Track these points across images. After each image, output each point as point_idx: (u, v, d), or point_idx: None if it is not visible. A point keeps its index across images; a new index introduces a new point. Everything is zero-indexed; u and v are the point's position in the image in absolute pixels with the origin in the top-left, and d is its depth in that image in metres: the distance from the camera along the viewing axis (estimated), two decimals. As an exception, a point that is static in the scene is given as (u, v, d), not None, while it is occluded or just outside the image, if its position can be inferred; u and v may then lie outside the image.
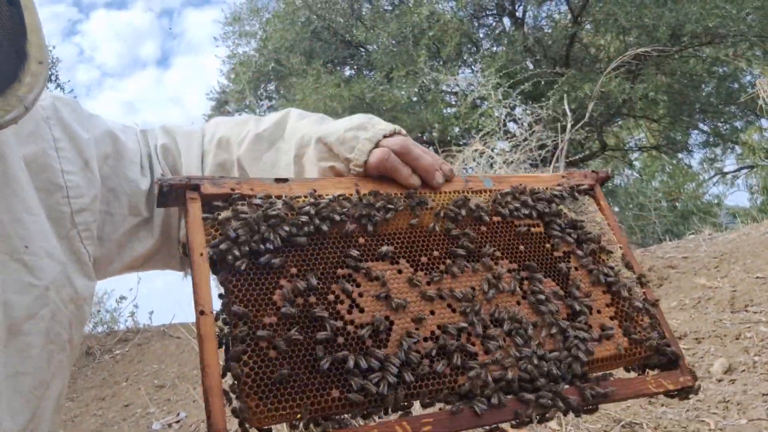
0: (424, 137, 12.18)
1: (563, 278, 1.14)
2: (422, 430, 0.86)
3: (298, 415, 0.83)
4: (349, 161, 1.10)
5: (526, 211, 1.17)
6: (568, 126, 5.83)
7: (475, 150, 6.63)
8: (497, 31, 13.09)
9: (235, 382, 0.83)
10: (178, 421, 4.30)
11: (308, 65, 11.65)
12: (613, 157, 14.88)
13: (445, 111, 11.53)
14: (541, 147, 6.54)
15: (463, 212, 1.11)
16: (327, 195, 1.04)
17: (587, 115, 5.97)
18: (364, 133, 1.09)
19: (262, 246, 0.92)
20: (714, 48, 10.55)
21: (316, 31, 12.74)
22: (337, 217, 1.01)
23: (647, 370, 1.14)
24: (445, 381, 0.94)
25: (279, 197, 1.01)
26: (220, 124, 1.28)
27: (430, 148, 9.99)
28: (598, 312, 1.12)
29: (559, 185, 1.26)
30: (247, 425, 0.81)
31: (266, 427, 0.84)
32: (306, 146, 1.15)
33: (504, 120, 8.76)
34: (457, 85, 10.32)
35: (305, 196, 1.03)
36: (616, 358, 1.08)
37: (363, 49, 13.59)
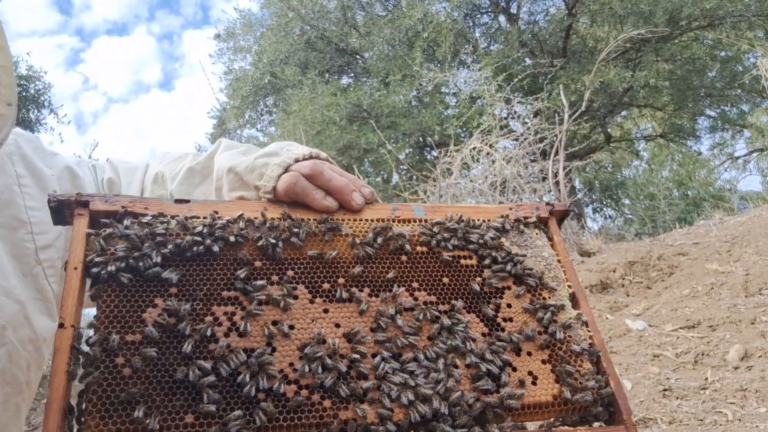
0: (427, 140, 12.08)
1: (489, 317, 1.01)
2: None
3: None
4: (258, 189, 1.05)
5: (456, 242, 1.08)
6: (566, 117, 5.69)
7: (474, 148, 6.50)
8: (493, 29, 12.97)
9: (81, 400, 0.77)
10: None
11: (303, 76, 11.58)
12: (619, 148, 14.67)
13: (444, 112, 11.41)
14: (541, 140, 6.41)
15: (380, 240, 1.03)
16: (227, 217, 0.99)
17: (584, 104, 5.83)
18: (275, 159, 1.04)
19: (140, 263, 0.88)
20: (714, 31, 10.37)
21: (310, 42, 12.69)
22: (232, 239, 0.96)
23: (590, 423, 0.98)
24: (322, 415, 0.83)
25: (174, 217, 0.96)
26: (161, 160, 1.25)
27: (434, 150, 9.82)
28: (528, 354, 0.99)
29: (502, 217, 1.16)
30: None
31: None
32: (221, 178, 1.11)
33: (503, 117, 8.63)
34: (455, 84, 10.20)
35: (204, 217, 0.98)
36: (546, 405, 0.94)
37: (358, 57, 13.52)
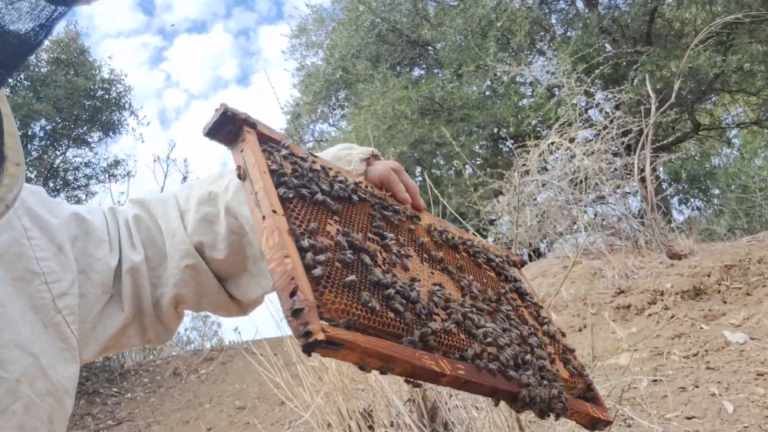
0: (500, 133, 11.74)
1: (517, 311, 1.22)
2: (457, 372, 0.88)
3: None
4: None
5: (485, 257, 1.31)
6: (653, 108, 5.31)
7: (552, 143, 6.21)
8: (570, 15, 12.43)
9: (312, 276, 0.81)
10: (254, 448, 4.20)
11: (375, 70, 11.48)
12: (709, 137, 13.82)
13: (519, 103, 11.05)
14: (625, 134, 6.05)
15: (444, 237, 1.23)
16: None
17: (674, 94, 5.42)
18: (354, 151, 1.22)
19: (305, 189, 0.96)
20: (816, 8, 9.52)
21: (381, 35, 12.57)
22: (364, 196, 1.09)
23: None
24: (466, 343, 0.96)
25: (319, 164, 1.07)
26: (192, 187, 1.27)
27: (508, 142, 9.57)
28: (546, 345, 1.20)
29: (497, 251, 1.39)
30: (321, 317, 0.76)
31: (335, 322, 0.78)
32: None
33: (583, 108, 8.22)
34: (531, 75, 9.83)
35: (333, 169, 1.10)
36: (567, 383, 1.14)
37: (430, 48, 13.29)
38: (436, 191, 3.34)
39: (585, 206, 5.92)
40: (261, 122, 1.02)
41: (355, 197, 1.05)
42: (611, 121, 5.69)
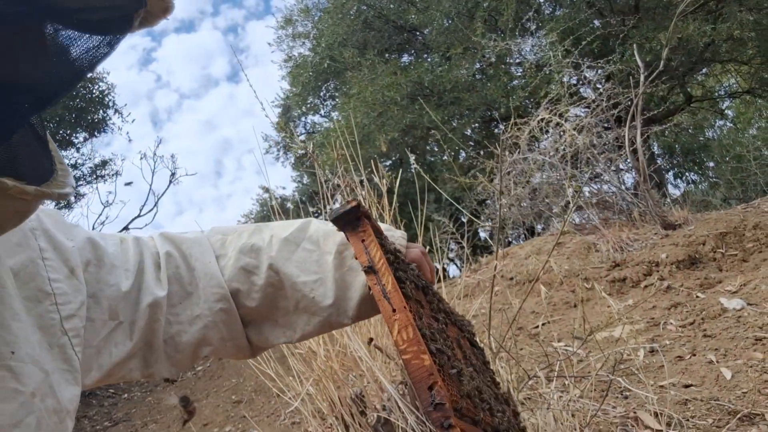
0: (492, 115, 11.65)
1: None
2: None
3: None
4: None
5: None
6: (641, 79, 5.23)
7: (542, 119, 6.13)
8: (557, -8, 12.30)
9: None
10: (249, 440, 4.16)
11: (362, 57, 11.36)
12: (701, 108, 13.73)
13: (510, 84, 10.95)
14: (615, 106, 5.97)
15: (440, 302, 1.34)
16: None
17: (662, 63, 5.34)
18: (396, 232, 1.30)
19: (411, 284, 1.07)
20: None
21: (367, 21, 12.44)
22: (426, 284, 1.23)
23: None
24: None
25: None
26: (225, 234, 1.32)
27: (502, 123, 9.47)
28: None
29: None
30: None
31: (465, 419, 0.91)
32: (336, 244, 1.25)
33: (573, 84, 8.14)
34: (519, 53, 9.73)
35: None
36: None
37: (417, 33, 13.16)
38: (426, 177, 3.27)
39: (581, 184, 5.85)
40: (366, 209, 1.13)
41: (428, 288, 1.21)
42: (600, 94, 5.61)
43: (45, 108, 0.74)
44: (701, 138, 15.10)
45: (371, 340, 2.70)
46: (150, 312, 1.11)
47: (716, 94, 13.74)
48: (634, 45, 6.45)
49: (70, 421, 0.97)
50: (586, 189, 6.21)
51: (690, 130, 15.03)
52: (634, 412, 2.76)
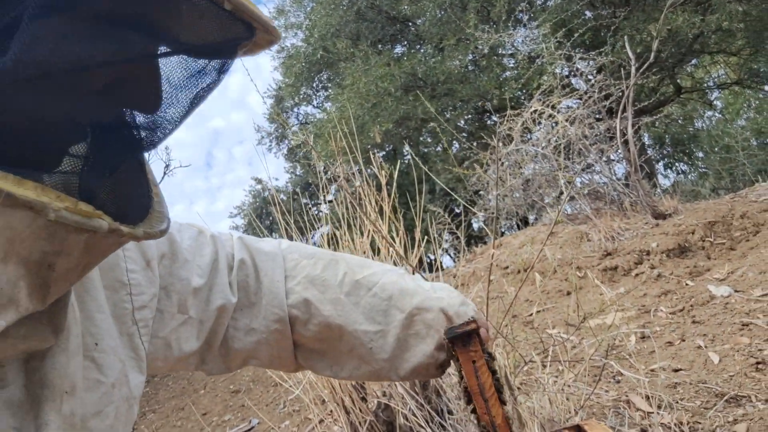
0: (486, 106, 11.73)
1: None
2: None
3: None
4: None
5: None
6: (632, 70, 5.32)
7: (535, 111, 6.22)
8: (549, -17, 12.36)
9: None
10: (250, 429, 4.23)
11: (355, 48, 11.39)
12: (690, 99, 13.86)
13: (502, 75, 11.02)
14: (606, 97, 6.06)
15: None
16: None
17: (652, 55, 5.43)
18: (468, 309, 1.23)
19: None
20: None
21: (360, 12, 12.46)
22: None
23: None
24: None
25: None
26: (302, 255, 1.32)
27: (493, 115, 9.51)
28: None
29: None
30: None
31: None
32: (426, 310, 1.21)
33: (565, 76, 8.23)
34: (512, 45, 9.80)
35: None
36: None
37: (410, 24, 13.20)
38: (424, 167, 3.35)
39: (573, 174, 5.95)
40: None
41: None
42: (592, 85, 5.70)
43: (160, 141, 0.77)
44: (690, 129, 15.25)
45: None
46: (218, 314, 1.13)
47: (705, 85, 13.88)
48: (625, 37, 6.53)
49: (136, 406, 1.02)
50: (578, 180, 6.31)
51: (680, 121, 15.18)
52: (626, 395, 2.86)
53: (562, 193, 6.27)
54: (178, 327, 1.13)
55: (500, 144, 5.86)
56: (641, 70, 5.31)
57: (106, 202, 0.72)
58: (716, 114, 15.30)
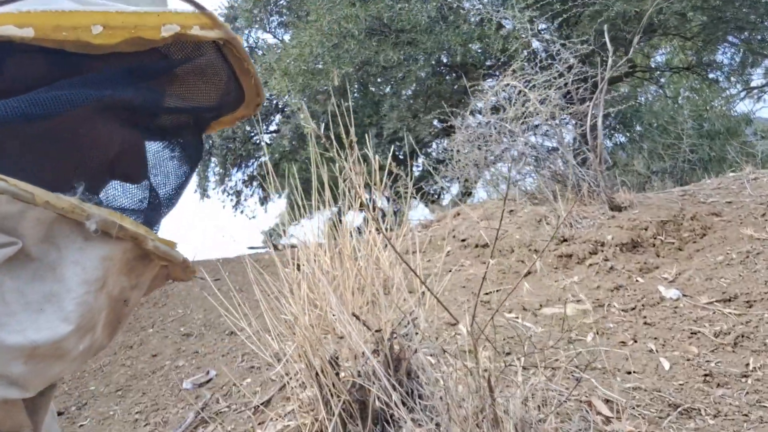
0: (446, 61, 11.64)
1: None
2: None
3: None
4: None
5: None
6: (609, 61, 5.41)
7: (507, 84, 6.24)
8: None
9: None
10: (208, 381, 4.23)
11: (322, -19, 10.94)
12: (643, 80, 14.24)
13: (467, 33, 10.91)
14: (584, 80, 6.12)
15: None
16: None
17: (631, 50, 5.52)
18: None
19: None
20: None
21: (328, -57, 11.89)
22: None
23: None
24: None
25: None
26: None
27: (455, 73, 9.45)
28: None
29: None
30: None
31: None
32: None
33: (529, 42, 8.25)
34: (481, 4, 9.69)
35: None
36: None
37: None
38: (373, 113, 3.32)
39: (521, 133, 6.03)
40: None
41: None
42: (567, 66, 5.74)
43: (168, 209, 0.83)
44: (633, 103, 15.69)
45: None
46: None
47: (657, 64, 14.24)
48: (605, 26, 6.58)
49: None
50: (533, 153, 6.42)
51: (626, 93, 15.58)
52: (587, 396, 3.05)
53: (507, 149, 6.36)
54: None
55: (469, 114, 5.87)
56: (619, 65, 5.39)
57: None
58: (660, 91, 15.77)
